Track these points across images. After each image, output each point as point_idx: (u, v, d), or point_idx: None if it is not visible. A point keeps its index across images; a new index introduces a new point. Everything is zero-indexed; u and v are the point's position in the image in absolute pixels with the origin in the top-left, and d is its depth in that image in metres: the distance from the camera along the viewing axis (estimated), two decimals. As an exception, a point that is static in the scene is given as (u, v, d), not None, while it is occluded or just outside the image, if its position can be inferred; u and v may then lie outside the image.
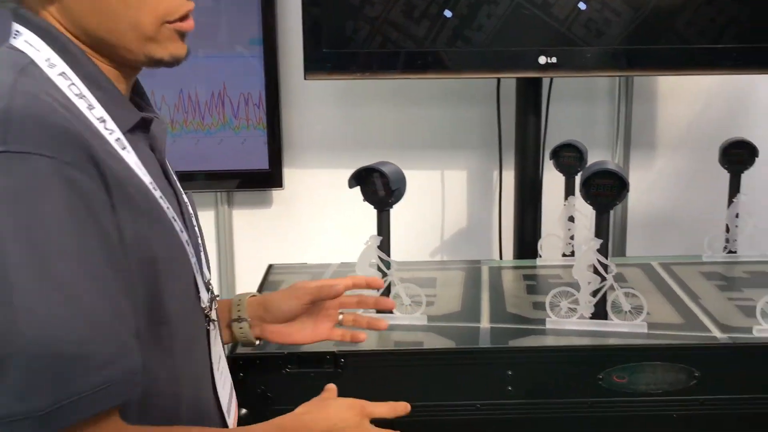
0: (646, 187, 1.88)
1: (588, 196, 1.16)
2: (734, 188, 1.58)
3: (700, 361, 1.11)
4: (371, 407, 0.83)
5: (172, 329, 0.74)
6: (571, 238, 1.55)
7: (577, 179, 1.41)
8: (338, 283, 0.99)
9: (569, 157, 1.56)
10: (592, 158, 1.76)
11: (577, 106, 1.86)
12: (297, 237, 1.87)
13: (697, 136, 1.84)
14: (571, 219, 1.53)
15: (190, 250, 0.78)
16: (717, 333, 1.16)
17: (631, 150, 1.87)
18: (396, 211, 1.28)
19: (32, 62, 0.70)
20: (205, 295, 0.81)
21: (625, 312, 1.19)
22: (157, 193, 0.74)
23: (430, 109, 1.84)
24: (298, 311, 0.99)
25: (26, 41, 0.71)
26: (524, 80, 1.66)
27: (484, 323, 1.23)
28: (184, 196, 0.84)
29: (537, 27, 1.54)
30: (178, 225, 0.76)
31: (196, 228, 0.85)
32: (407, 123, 1.85)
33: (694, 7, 1.53)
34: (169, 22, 0.73)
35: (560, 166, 1.58)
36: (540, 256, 1.58)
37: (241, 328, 0.98)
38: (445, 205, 1.89)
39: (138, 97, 0.81)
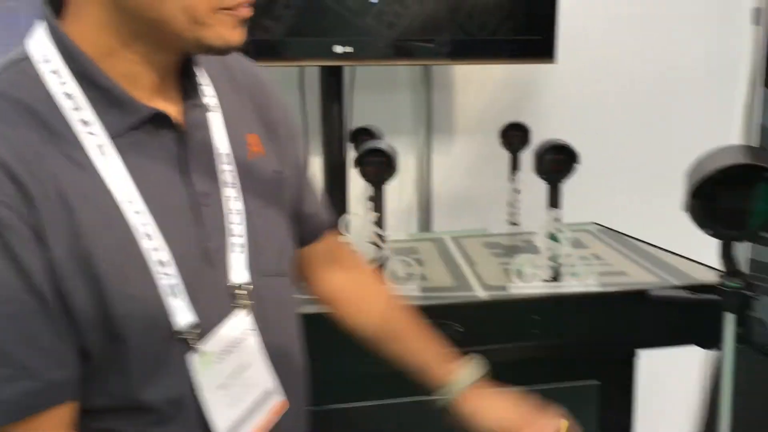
0: (448, 169, 2.03)
1: (363, 173, 1.27)
2: (514, 167, 1.76)
3: (462, 317, 1.25)
4: None
5: (128, 347, 0.72)
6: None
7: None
8: None
9: (366, 140, 1.67)
10: (396, 143, 1.89)
11: (382, 94, 1.98)
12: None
13: (487, 121, 2.00)
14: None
15: (166, 269, 0.73)
16: (480, 292, 1.31)
17: (433, 136, 2.01)
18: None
19: (27, 59, 0.71)
20: (182, 319, 0.74)
21: (401, 278, 1.31)
22: (133, 207, 0.72)
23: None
24: None
25: (36, 38, 0.72)
26: (326, 69, 1.75)
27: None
28: (228, 195, 0.80)
29: (332, 18, 1.63)
30: (150, 243, 0.72)
31: (235, 236, 0.80)
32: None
33: (473, 1, 1.68)
34: (225, 9, 0.71)
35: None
36: (343, 235, 1.69)
37: (441, 399, 0.97)
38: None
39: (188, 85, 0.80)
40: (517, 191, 1.75)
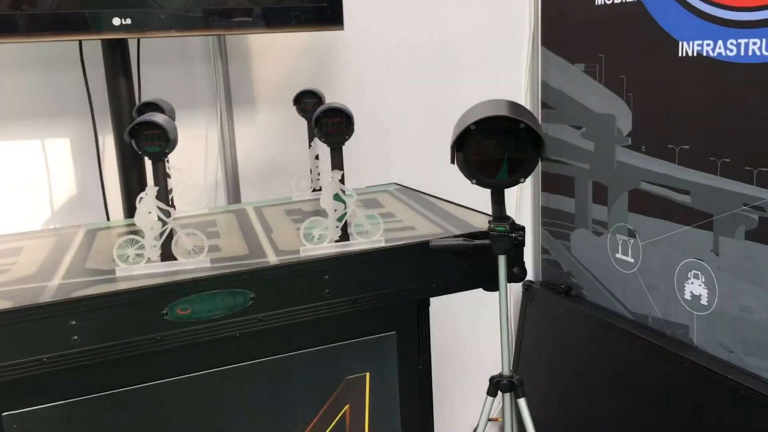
0: (252, 140, 2.02)
1: (138, 148, 1.23)
2: (311, 133, 1.78)
3: (253, 283, 1.25)
4: None
5: None
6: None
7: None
8: None
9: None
10: (187, 117, 1.85)
11: (175, 66, 1.92)
12: None
13: (287, 90, 2.01)
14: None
15: None
16: (272, 258, 1.32)
17: (233, 107, 1.99)
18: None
19: None
20: None
21: (189, 251, 1.30)
22: None
23: (20, 76, 1.77)
24: None
25: None
26: (108, 42, 1.67)
27: (55, 281, 1.25)
28: None
29: (106, -11, 1.56)
30: None
31: None
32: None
33: (256, -31, 1.67)
34: None
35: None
36: (140, 213, 1.64)
37: None
38: (51, 175, 1.84)
39: None
40: (317, 158, 1.78)
